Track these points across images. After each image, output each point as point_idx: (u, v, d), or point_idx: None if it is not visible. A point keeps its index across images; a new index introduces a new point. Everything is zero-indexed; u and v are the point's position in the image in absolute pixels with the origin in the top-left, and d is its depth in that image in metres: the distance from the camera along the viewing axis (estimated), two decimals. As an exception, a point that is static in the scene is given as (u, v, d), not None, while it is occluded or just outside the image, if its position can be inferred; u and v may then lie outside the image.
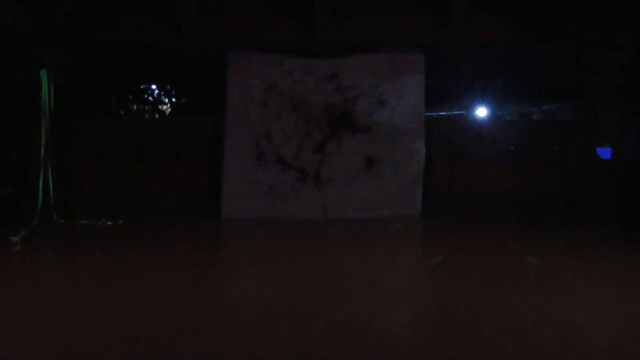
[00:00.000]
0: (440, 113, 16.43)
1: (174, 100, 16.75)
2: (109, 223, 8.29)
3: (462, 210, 9.46)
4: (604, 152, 8.64)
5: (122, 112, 16.06)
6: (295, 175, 9.40)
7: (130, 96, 16.07)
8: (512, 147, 9.93)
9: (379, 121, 9.50)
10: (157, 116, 16.53)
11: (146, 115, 16.34)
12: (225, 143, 9.35)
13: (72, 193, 9.25)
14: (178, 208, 9.56)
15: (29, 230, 7.43)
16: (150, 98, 16.41)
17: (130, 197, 9.53)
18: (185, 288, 4.45)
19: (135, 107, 16.38)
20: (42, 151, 8.65)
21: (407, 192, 9.43)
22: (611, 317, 3.68)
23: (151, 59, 10.01)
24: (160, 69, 10.31)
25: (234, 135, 9.36)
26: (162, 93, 16.47)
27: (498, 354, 3.03)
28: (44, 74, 8.68)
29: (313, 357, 2.99)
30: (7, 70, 9.03)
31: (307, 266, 5.40)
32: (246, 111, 9.41)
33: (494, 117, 15.68)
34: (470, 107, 16.23)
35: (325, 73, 9.49)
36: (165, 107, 16.83)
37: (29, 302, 4.03)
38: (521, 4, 8.57)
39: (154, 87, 15.99)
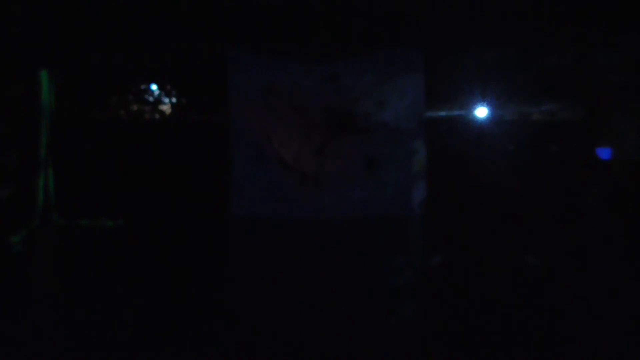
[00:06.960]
0: (440, 113, 16.39)
1: (174, 100, 16.71)
2: (109, 223, 8.29)
3: (462, 210, 9.44)
4: (604, 152, 8.63)
5: (122, 112, 16.01)
6: (295, 177, 9.38)
7: (130, 96, 16.03)
8: (511, 147, 9.93)
9: (379, 122, 9.48)
10: (157, 116, 16.49)
11: (146, 116, 16.29)
12: (225, 143, 9.34)
13: (72, 193, 9.23)
14: (178, 208, 9.54)
15: (29, 231, 7.41)
16: (150, 98, 16.38)
17: (131, 197, 9.51)
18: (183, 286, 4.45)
19: (135, 107, 16.34)
20: (42, 151, 8.64)
21: (407, 193, 9.40)
22: (611, 316, 3.69)
23: (151, 59, 10.01)
24: (160, 69, 10.31)
25: (234, 135, 9.34)
26: (162, 93, 16.43)
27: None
28: (44, 74, 8.67)
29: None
30: (7, 70, 9.01)
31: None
32: (246, 112, 9.39)
33: (494, 117, 15.64)
34: (470, 107, 16.19)
35: (325, 74, 9.45)
36: (165, 107, 16.78)
37: (28, 302, 4.03)
38: (522, 4, 8.57)
39: (154, 87, 15.95)
